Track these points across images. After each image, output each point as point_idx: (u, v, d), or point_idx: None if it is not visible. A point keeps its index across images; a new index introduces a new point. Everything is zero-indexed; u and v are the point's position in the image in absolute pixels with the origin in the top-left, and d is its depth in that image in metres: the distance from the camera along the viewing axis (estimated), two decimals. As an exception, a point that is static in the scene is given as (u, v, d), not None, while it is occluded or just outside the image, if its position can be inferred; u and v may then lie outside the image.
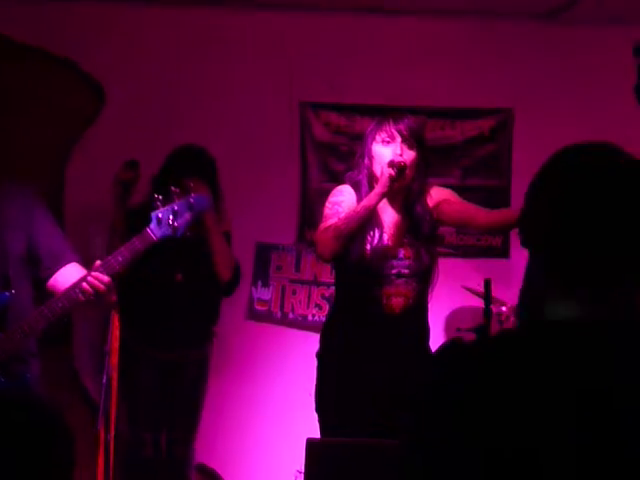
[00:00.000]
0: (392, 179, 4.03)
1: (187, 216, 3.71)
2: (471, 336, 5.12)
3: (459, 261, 5.83)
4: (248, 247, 5.70)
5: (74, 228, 5.41)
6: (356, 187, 4.23)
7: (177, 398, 5.04)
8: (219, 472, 5.75)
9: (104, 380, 4.12)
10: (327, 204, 4.25)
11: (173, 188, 3.77)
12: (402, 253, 4.20)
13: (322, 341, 4.35)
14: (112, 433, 4.20)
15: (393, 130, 4.13)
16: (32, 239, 3.79)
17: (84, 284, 3.64)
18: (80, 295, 3.65)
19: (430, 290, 4.30)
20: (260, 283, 5.90)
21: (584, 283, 1.63)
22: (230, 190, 5.20)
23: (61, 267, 3.84)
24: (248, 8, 5.83)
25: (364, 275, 4.16)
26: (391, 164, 4.05)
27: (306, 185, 5.94)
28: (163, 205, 3.74)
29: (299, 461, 3.55)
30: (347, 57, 5.91)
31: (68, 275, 3.80)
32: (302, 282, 5.94)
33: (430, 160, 4.39)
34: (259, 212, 5.65)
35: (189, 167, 4.81)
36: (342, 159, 5.75)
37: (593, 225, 1.62)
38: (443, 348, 1.66)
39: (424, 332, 4.31)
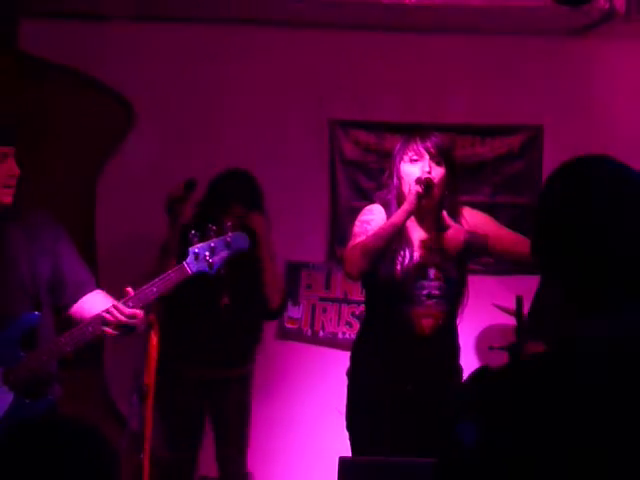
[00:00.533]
0: (419, 196, 4.03)
1: (224, 254, 3.80)
2: (503, 355, 5.09)
3: (490, 278, 5.80)
4: (278, 265, 5.70)
5: (106, 249, 5.45)
6: (386, 206, 4.22)
7: (223, 418, 5.03)
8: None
9: (134, 399, 4.12)
10: (356, 222, 4.25)
11: (210, 225, 3.85)
12: (433, 274, 4.19)
13: (352, 359, 4.34)
14: (147, 454, 4.19)
15: (420, 148, 4.13)
16: (58, 267, 3.87)
17: (105, 314, 3.72)
18: (104, 321, 3.72)
19: (460, 311, 4.28)
20: (290, 301, 5.90)
21: (603, 300, 1.63)
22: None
23: (85, 294, 3.91)
24: (278, 26, 5.86)
25: (394, 295, 4.15)
26: (418, 181, 4.05)
27: (336, 203, 5.94)
28: (200, 241, 3.82)
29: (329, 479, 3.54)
30: (376, 75, 5.91)
31: (93, 302, 3.90)
32: (332, 300, 5.93)
33: (460, 176, 4.38)
34: (289, 230, 5.64)
35: (234, 192, 4.85)
36: (372, 177, 5.75)
37: (605, 240, 1.62)
38: (473, 375, 1.66)
39: (454, 351, 4.30)
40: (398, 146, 4.25)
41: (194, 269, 3.79)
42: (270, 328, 5.83)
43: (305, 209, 5.83)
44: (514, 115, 5.95)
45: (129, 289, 3.78)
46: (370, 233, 4.11)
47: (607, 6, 5.39)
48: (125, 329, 3.76)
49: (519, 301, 4.52)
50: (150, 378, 4.14)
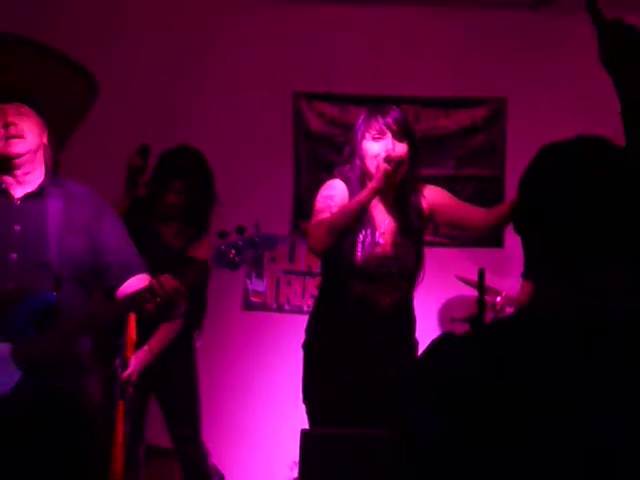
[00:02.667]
0: (388, 174, 4.01)
1: (249, 254, 3.72)
2: (465, 326, 5.13)
3: (453, 251, 5.83)
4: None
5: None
6: (347, 182, 4.20)
7: (170, 395, 4.98)
8: (214, 463, 5.74)
9: (118, 370, 4.14)
10: (319, 198, 4.22)
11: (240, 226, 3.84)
12: (392, 252, 4.19)
13: (308, 332, 4.33)
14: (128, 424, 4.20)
15: (382, 125, 4.10)
16: (100, 247, 3.78)
17: (154, 285, 3.64)
18: (147, 295, 3.65)
19: (417, 286, 4.29)
20: (254, 275, 5.90)
21: (573, 270, 1.65)
22: (224, 181, 5.20)
23: (131, 276, 3.84)
24: (241, -1, 5.85)
25: (354, 274, 4.14)
26: (387, 159, 4.03)
27: (299, 176, 5.93)
28: (229, 239, 3.77)
29: (296, 451, 3.55)
30: (340, 47, 5.90)
31: (138, 284, 3.77)
32: (296, 273, 5.93)
33: (420, 150, 4.37)
34: (253, 203, 5.64)
35: (174, 167, 4.81)
36: (336, 150, 5.73)
37: (581, 214, 1.65)
38: (435, 342, 1.67)
39: (411, 324, 4.30)
40: (359, 123, 4.20)
41: (215, 267, 3.76)
42: (235, 301, 5.84)
43: (269, 182, 5.82)
44: (478, 88, 5.96)
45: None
46: (334, 209, 4.10)
47: (571, -22, 5.40)
48: (162, 300, 3.69)
49: (481, 274, 4.54)
50: (130, 350, 4.17)
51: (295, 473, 4.33)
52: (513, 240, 1.81)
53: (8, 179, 3.82)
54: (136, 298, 3.66)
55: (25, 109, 3.83)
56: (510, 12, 5.90)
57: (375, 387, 4.15)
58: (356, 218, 4.05)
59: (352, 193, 4.14)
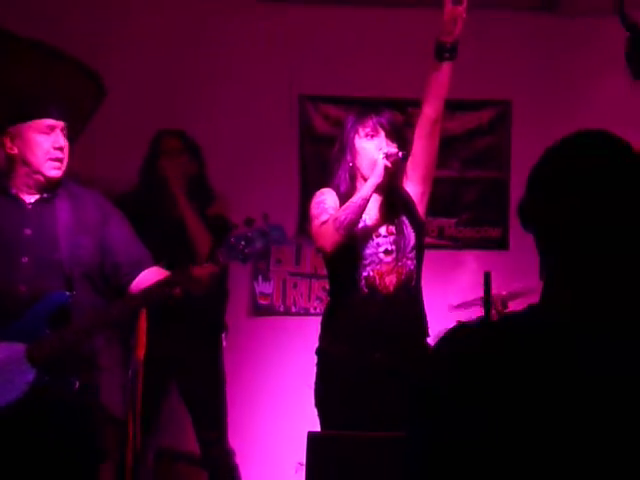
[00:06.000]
0: (388, 170, 4.04)
1: (259, 245, 3.72)
2: (464, 312, 5.11)
3: (458, 253, 5.83)
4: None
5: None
6: (336, 189, 4.21)
7: (196, 398, 4.98)
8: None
9: (130, 374, 4.11)
10: (312, 206, 4.22)
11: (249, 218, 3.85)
12: (384, 230, 4.18)
13: (321, 336, 4.31)
14: (138, 427, 4.17)
15: (376, 124, 4.13)
16: (108, 249, 3.83)
17: (171, 277, 3.70)
18: (166, 288, 3.69)
19: (420, 262, 4.26)
20: (261, 277, 5.91)
21: (583, 271, 1.64)
22: (229, 183, 5.22)
23: (142, 271, 3.88)
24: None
25: (352, 260, 4.15)
26: (388, 156, 4.05)
27: (305, 178, 5.94)
28: (239, 231, 3.79)
29: (301, 453, 3.56)
30: (346, 49, 5.91)
31: (151, 278, 3.84)
32: (302, 275, 5.94)
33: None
34: (258, 205, 5.63)
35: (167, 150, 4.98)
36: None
37: (592, 214, 1.64)
38: (442, 340, 1.66)
39: (421, 315, 4.26)
40: (351, 120, 4.22)
41: (226, 259, 3.77)
42: (242, 305, 5.84)
43: (274, 184, 5.83)
44: (483, 90, 5.96)
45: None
46: (331, 210, 4.10)
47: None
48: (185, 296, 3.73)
49: (487, 277, 4.54)
50: (141, 351, 4.15)
51: (301, 475, 4.34)
52: (518, 242, 1.82)
53: (20, 184, 3.83)
54: (154, 291, 3.69)
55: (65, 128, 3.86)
56: (515, 13, 5.90)
57: (388, 382, 4.12)
58: (361, 212, 4.06)
59: (341, 193, 4.15)
